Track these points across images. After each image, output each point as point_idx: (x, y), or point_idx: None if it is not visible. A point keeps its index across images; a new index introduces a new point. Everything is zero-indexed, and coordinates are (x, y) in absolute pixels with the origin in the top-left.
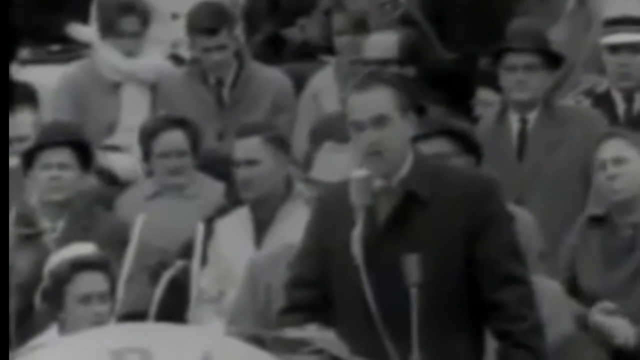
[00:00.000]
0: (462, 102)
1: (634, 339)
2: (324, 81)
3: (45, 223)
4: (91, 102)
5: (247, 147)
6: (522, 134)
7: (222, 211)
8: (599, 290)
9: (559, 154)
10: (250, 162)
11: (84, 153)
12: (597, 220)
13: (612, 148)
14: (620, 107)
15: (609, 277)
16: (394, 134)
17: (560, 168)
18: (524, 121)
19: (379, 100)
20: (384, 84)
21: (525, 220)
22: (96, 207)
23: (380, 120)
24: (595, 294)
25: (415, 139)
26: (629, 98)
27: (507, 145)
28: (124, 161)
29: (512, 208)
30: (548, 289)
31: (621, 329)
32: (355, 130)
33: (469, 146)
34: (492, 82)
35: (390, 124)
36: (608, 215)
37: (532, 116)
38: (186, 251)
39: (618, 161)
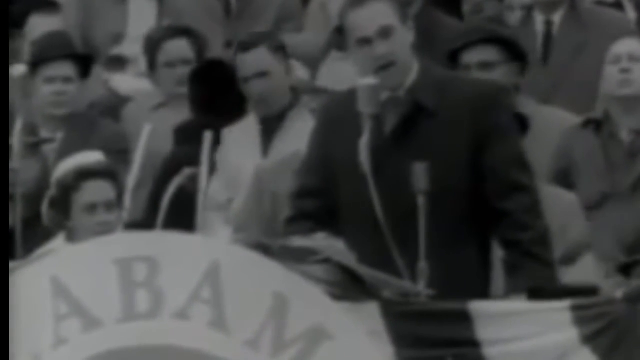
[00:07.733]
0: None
1: None
2: None
3: (45, 134)
4: (98, 12)
5: (256, 60)
6: (547, 36)
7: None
8: (603, 191)
9: (584, 56)
10: (262, 74)
11: (83, 63)
12: (594, 124)
13: (628, 44)
14: (631, 15)
15: (611, 179)
16: (401, 42)
17: (585, 70)
18: (549, 23)
19: (380, 12)
20: None
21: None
22: (94, 115)
23: (386, 31)
24: (598, 197)
25: (462, 48)
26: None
27: (532, 47)
28: (125, 82)
29: (537, 108)
30: (563, 198)
31: None
32: (362, 46)
33: (515, 54)
34: None
35: (395, 33)
36: (605, 119)
37: (557, 18)
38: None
39: (633, 58)
